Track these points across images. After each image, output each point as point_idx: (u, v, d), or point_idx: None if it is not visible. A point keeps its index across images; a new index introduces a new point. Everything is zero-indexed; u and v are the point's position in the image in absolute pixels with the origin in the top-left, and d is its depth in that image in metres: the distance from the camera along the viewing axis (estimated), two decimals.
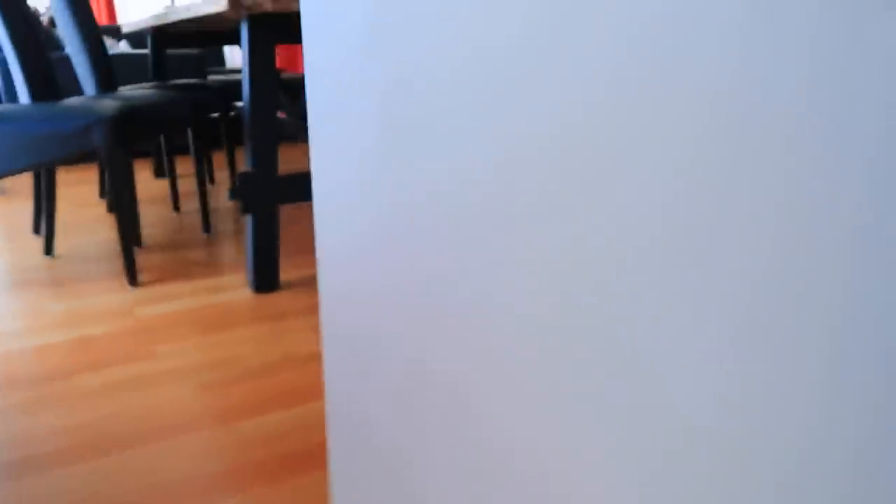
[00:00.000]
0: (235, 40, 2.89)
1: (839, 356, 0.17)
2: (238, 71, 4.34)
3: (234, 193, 1.58)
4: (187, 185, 2.97)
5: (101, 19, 5.90)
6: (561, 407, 0.29)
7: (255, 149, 1.55)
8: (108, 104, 1.66)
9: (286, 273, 1.79)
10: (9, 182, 3.25)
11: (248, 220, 1.62)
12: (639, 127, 0.22)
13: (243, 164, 3.39)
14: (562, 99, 0.27)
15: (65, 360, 1.29)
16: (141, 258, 1.93)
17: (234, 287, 1.68)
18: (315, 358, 1.28)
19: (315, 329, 1.42)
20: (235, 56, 6.58)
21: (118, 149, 1.64)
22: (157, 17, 1.95)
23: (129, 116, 1.67)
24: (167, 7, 1.91)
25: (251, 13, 1.42)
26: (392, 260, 0.46)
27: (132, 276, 1.70)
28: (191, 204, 2.58)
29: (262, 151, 1.56)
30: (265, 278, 1.64)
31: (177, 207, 2.45)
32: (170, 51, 3.58)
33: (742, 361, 0.20)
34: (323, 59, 0.51)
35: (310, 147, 0.57)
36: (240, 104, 2.90)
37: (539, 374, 0.30)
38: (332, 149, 0.53)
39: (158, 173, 3.16)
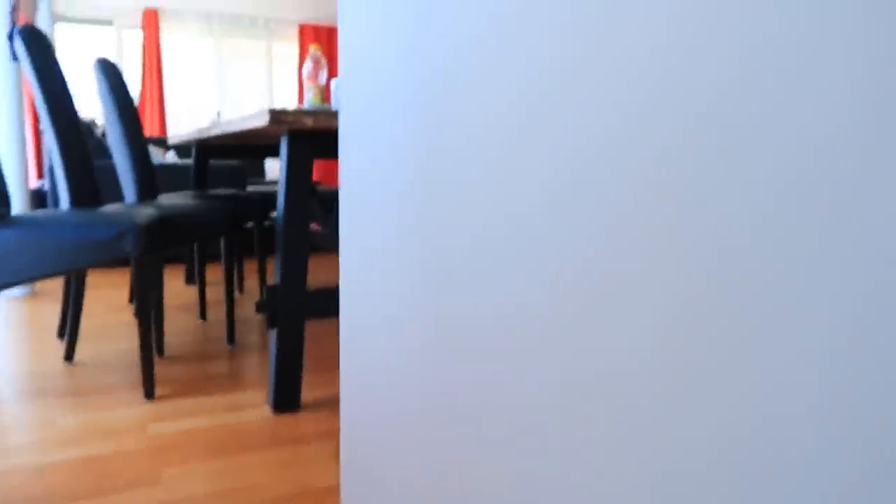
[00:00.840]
0: (275, 153, 2.96)
1: None
2: (270, 182, 4.45)
3: (261, 306, 1.54)
4: (217, 292, 2.96)
5: (154, 131, 6.19)
6: None
7: (286, 261, 1.52)
8: (144, 212, 1.66)
9: (308, 392, 1.70)
10: (40, 283, 3.28)
11: (272, 335, 1.56)
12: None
13: (273, 274, 3.39)
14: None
15: (67, 483, 1.20)
16: (161, 368, 1.87)
17: (254, 405, 1.60)
18: (334, 492, 1.17)
19: (336, 456, 1.31)
20: (275, 168, 6.80)
21: (148, 256, 1.62)
22: (200, 130, 2.00)
23: (163, 224, 1.66)
24: (212, 121, 1.95)
25: (291, 129, 1.42)
26: (420, 387, 0.41)
27: (149, 389, 1.63)
28: (219, 313, 2.55)
29: (292, 264, 1.52)
30: (286, 397, 1.55)
31: (203, 316, 2.41)
32: (213, 161, 3.69)
33: None
34: (356, 174, 0.52)
35: (340, 264, 0.54)
36: (275, 214, 2.93)
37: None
38: (361, 263, 0.52)
39: (189, 280, 3.16)
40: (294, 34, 6.85)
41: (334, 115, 1.37)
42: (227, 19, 6.53)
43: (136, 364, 1.90)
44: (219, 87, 6.63)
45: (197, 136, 2.23)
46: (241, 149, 2.83)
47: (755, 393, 0.21)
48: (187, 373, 1.84)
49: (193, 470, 1.25)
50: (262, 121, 1.36)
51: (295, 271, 1.53)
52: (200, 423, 1.48)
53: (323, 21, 6.79)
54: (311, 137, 1.49)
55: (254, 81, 6.82)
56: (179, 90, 6.52)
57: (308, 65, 2.25)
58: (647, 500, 0.26)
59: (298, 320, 1.54)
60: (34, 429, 1.45)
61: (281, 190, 1.52)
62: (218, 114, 2.98)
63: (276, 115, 1.33)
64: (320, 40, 6.86)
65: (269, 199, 2.79)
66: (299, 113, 1.35)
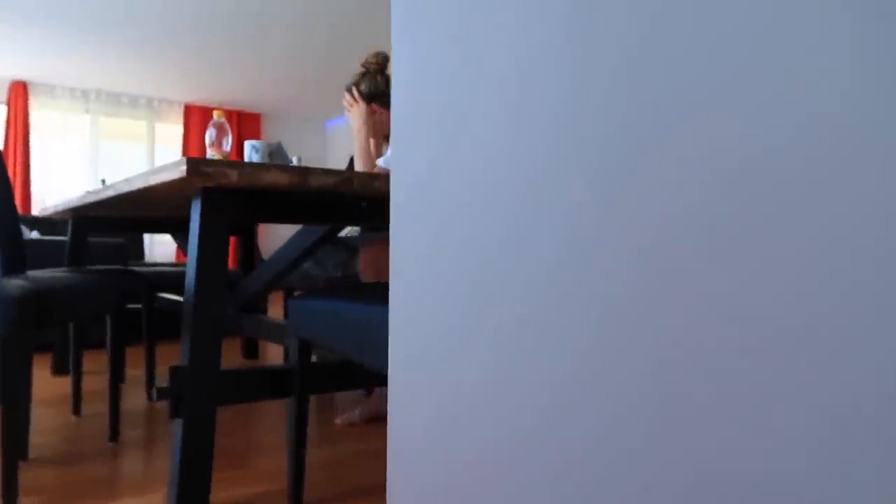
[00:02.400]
0: (166, 228, 2.71)
1: None
2: (159, 264, 4.11)
3: (163, 392, 1.30)
4: (91, 383, 2.59)
5: None
6: None
7: (196, 338, 1.30)
8: (14, 284, 1.40)
9: (218, 492, 1.45)
10: None
11: (175, 426, 1.32)
12: None
13: (166, 362, 3.04)
14: None
15: None
16: (26, 474, 1.54)
17: None
18: None
19: None
20: (155, 250, 6.35)
21: (20, 336, 1.35)
22: (85, 195, 1.76)
23: (39, 299, 1.40)
24: (106, 185, 1.73)
25: (211, 185, 1.25)
26: None
27: (11, 501, 1.32)
28: (96, 406, 2.20)
29: (204, 342, 1.31)
30: (192, 500, 1.30)
31: (77, 411, 2.07)
32: (90, 238, 3.34)
33: None
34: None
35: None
36: (164, 295, 2.65)
37: None
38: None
39: (59, 369, 2.76)
40: (178, 114, 6.61)
41: (266, 168, 1.22)
42: (106, 97, 6.20)
43: None
44: (92, 166, 6.20)
45: (78, 203, 1.98)
46: (124, 223, 2.57)
47: None
48: (59, 478, 1.52)
49: None
50: (176, 173, 1.18)
51: (206, 350, 1.32)
52: None
53: (209, 102, 6.60)
54: (232, 197, 1.32)
55: (133, 162, 6.45)
56: (48, 168, 6.03)
57: (211, 132, 2.09)
58: None
59: (209, 407, 1.32)
60: None
61: (192, 258, 1.32)
62: (103, 181, 2.72)
63: (196, 166, 1.16)
64: (207, 120, 6.65)
65: (159, 277, 2.52)
66: (222, 164, 1.19)
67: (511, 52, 0.37)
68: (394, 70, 0.48)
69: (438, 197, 0.41)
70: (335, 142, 7.37)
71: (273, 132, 7.09)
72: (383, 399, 2.10)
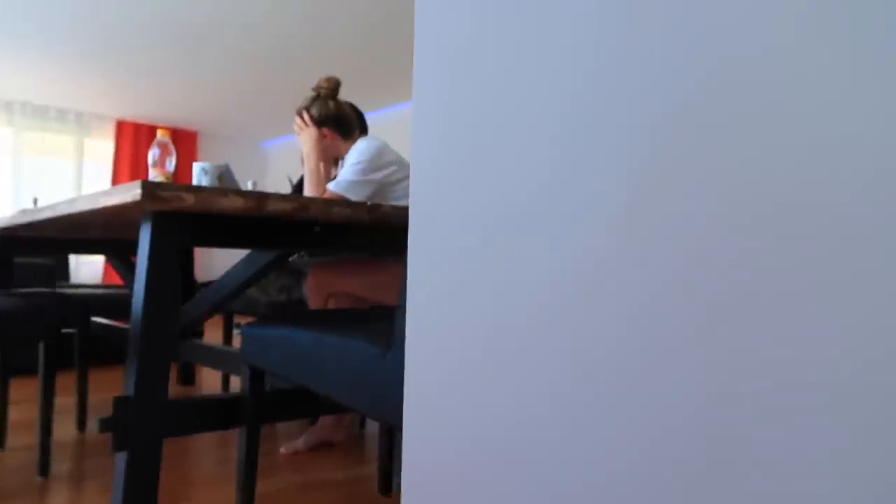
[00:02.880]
0: (99, 248, 2.61)
1: None
2: (88, 286, 3.94)
3: (106, 423, 1.24)
4: (16, 413, 2.44)
5: None
6: None
7: (143, 367, 1.26)
8: None
9: None
10: None
11: (117, 460, 1.27)
12: None
13: (99, 390, 2.90)
14: None
15: None
16: None
17: None
18: None
19: None
20: (81, 270, 6.08)
21: None
22: (27, 212, 1.68)
23: None
24: (24, 211, 1.65)
25: (164, 209, 1.22)
26: None
27: None
28: (22, 438, 2.08)
29: (151, 371, 1.26)
30: None
31: (1, 443, 1.95)
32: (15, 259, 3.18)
33: None
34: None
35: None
36: (98, 319, 2.54)
37: None
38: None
39: None
40: (110, 130, 6.38)
41: (223, 193, 1.20)
42: (32, 110, 5.94)
43: None
44: (14, 183, 5.91)
45: (8, 223, 1.88)
46: (52, 244, 2.45)
47: None
48: None
49: None
50: (129, 196, 1.15)
51: (154, 380, 1.27)
52: None
53: (143, 118, 6.41)
54: (185, 219, 1.29)
55: (59, 179, 6.18)
56: None
57: (154, 151, 2.03)
58: None
59: (156, 439, 1.26)
60: None
61: (140, 280, 1.28)
62: (35, 200, 2.60)
63: (151, 190, 1.13)
64: (139, 137, 6.45)
65: (95, 300, 2.42)
66: (178, 188, 1.16)
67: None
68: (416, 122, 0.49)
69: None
70: (273, 162, 7.27)
71: (209, 150, 6.94)
72: (328, 426, 2.07)
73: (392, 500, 1.59)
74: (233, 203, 1.22)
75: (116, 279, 5.58)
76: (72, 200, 1.41)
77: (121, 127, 6.40)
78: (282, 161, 7.03)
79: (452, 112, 0.40)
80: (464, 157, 0.40)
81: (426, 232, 0.42)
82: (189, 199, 1.17)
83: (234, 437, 2.14)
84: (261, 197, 1.26)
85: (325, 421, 2.07)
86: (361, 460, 1.93)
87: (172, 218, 1.27)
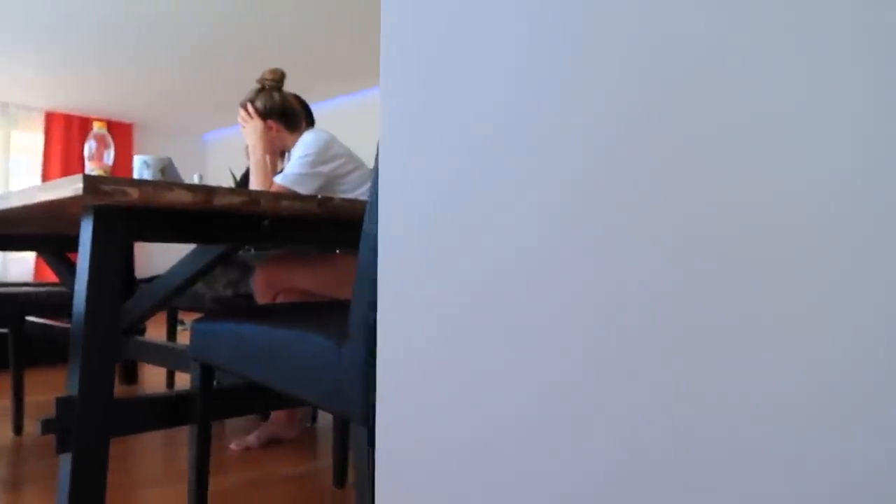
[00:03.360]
0: (29, 244, 2.50)
1: None
2: (20, 284, 3.77)
3: (50, 424, 1.21)
4: None
5: None
6: None
7: (86, 367, 1.22)
8: None
9: None
10: None
11: (62, 462, 1.23)
12: None
13: (36, 391, 2.78)
14: None
15: None
16: None
17: None
18: None
19: None
20: (10, 267, 5.82)
21: None
22: None
23: None
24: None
25: (107, 203, 1.18)
26: None
27: None
28: None
29: (95, 370, 1.23)
30: None
31: None
32: None
33: None
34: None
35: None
36: (32, 319, 2.44)
37: None
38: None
39: None
40: (39, 123, 6.12)
41: (168, 187, 1.17)
42: None
43: None
44: None
45: None
46: None
47: None
48: None
49: None
50: (69, 190, 1.11)
51: (98, 379, 1.24)
52: None
53: (74, 110, 6.16)
54: (128, 214, 1.25)
55: None
56: None
57: (91, 144, 1.96)
58: None
59: (102, 440, 1.23)
60: None
61: (81, 278, 1.24)
62: None
63: (93, 184, 1.09)
64: (71, 130, 6.20)
65: (29, 299, 2.33)
66: (122, 181, 1.13)
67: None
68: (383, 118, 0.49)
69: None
70: (214, 156, 7.10)
71: (147, 143, 6.73)
72: (280, 422, 2.05)
73: (346, 492, 1.59)
74: (179, 197, 1.20)
75: (50, 276, 5.37)
76: (4, 196, 1.35)
77: (50, 119, 6.14)
78: (223, 154, 6.88)
79: (421, 102, 0.41)
80: (432, 147, 0.40)
81: (395, 220, 0.43)
82: (133, 194, 1.14)
83: (181, 436, 2.10)
84: (209, 191, 1.23)
85: (277, 416, 2.05)
86: (314, 455, 1.92)
87: (115, 213, 1.24)
